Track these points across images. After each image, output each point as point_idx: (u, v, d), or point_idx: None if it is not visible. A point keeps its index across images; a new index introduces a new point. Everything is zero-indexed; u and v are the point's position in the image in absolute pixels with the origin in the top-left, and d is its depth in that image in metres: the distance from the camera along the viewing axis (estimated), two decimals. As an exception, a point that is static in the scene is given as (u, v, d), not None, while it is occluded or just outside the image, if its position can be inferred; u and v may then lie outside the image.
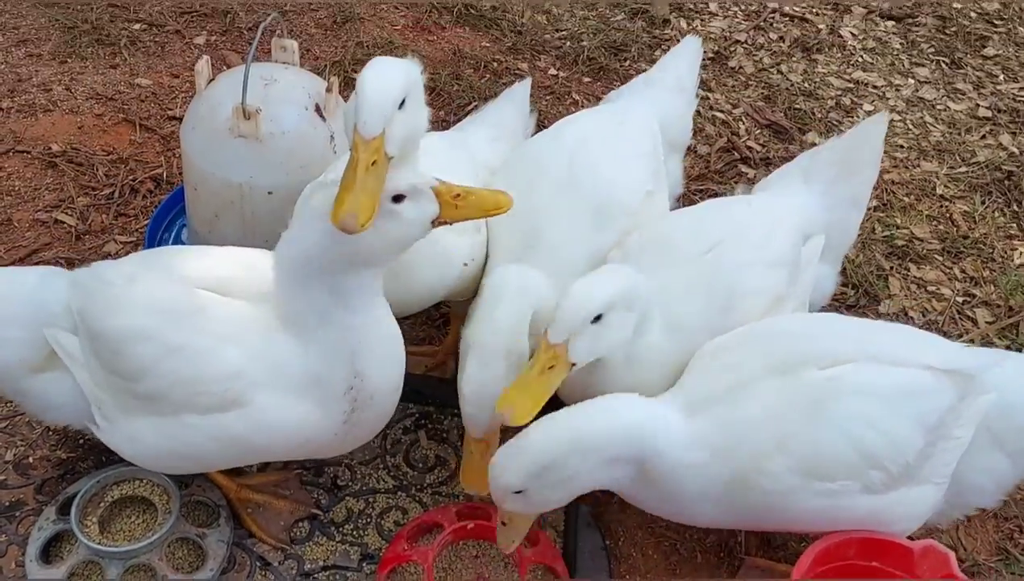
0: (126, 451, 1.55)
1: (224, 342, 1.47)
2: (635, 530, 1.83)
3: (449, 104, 2.92)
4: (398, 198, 1.42)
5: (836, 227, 1.85)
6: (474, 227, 1.78)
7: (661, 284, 1.62)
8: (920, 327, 2.38)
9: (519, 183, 1.81)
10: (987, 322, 2.41)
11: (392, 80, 1.44)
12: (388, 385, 1.53)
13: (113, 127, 2.74)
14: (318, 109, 1.94)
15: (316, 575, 1.68)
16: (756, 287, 1.65)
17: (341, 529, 1.76)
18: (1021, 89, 3.27)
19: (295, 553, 1.71)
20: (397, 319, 1.58)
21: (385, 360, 1.50)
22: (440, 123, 2.89)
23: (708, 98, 3.10)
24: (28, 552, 1.56)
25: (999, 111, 3.16)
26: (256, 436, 1.46)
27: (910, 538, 1.60)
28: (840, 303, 2.43)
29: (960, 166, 2.93)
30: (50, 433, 1.86)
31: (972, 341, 2.35)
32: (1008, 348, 2.35)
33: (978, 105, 3.20)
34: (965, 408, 1.53)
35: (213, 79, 2.00)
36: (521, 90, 2.21)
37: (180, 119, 2.80)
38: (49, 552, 1.61)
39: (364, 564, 1.71)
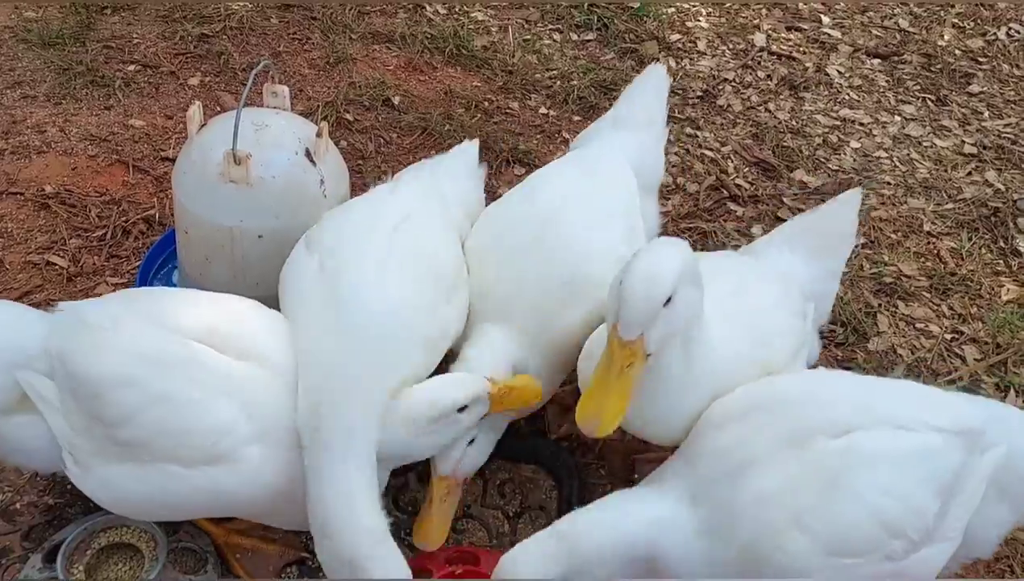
0: (102, 498, 1.54)
1: (215, 395, 1.46)
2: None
3: (441, 144, 2.95)
4: (463, 408, 1.53)
5: (819, 297, 1.88)
6: (455, 287, 1.82)
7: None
8: (909, 364, 2.40)
9: (492, 248, 1.85)
10: (975, 359, 2.42)
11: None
12: None
13: (106, 168, 2.76)
14: (308, 154, 1.96)
15: (304, 622, 1.67)
16: (786, 328, 1.68)
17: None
18: (1006, 125, 3.32)
19: (283, 600, 1.70)
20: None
21: None
22: (418, 129, 2.95)
23: (696, 136, 3.13)
24: None
25: (984, 148, 3.20)
26: (244, 490, 1.46)
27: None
28: (829, 341, 2.44)
29: (947, 202, 2.96)
30: (37, 479, 1.85)
31: (961, 379, 2.36)
32: (997, 385, 2.37)
33: (964, 142, 3.24)
34: (974, 463, 1.53)
35: (205, 124, 2.02)
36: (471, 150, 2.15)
37: (173, 160, 2.83)
38: None
39: (355, 613, 1.70)
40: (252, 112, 1.97)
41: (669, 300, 1.41)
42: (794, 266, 1.86)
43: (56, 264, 2.42)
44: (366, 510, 1.46)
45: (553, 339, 1.77)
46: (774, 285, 1.76)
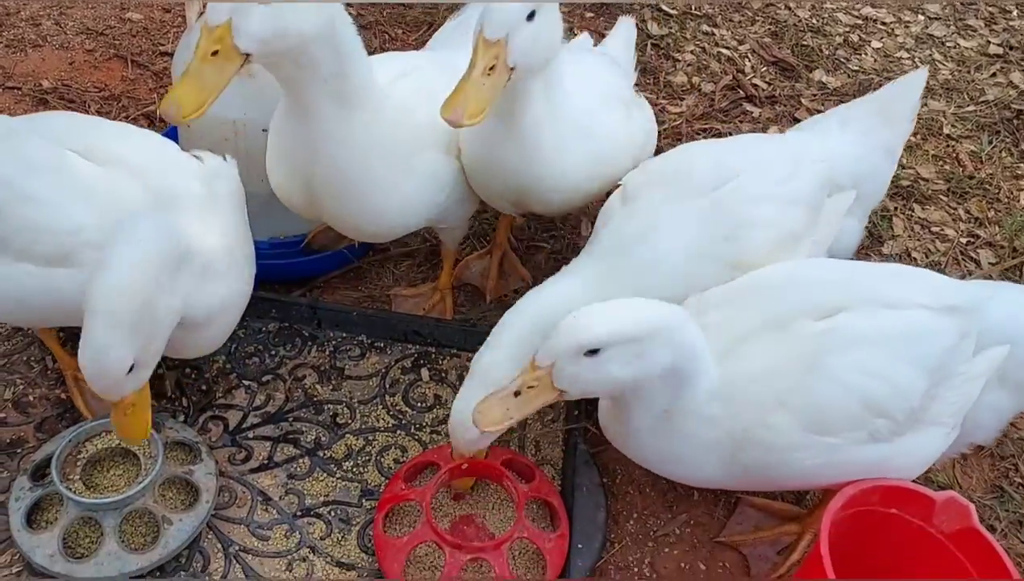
0: None
1: (73, 200, 1.50)
2: (632, 468, 1.84)
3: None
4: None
5: (867, 179, 1.81)
6: (459, 149, 1.77)
7: (673, 210, 1.60)
8: (924, 267, 2.37)
9: None
10: (991, 263, 2.39)
11: None
12: (208, 329, 1.58)
13: (104, 63, 2.68)
14: (312, 43, 1.88)
15: (317, 510, 1.70)
16: (767, 220, 1.61)
17: (341, 466, 1.77)
18: (1034, 25, 3.20)
19: (296, 488, 1.72)
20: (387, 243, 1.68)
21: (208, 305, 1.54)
22: (424, 24, 2.86)
23: (713, 34, 3.03)
24: (12, 524, 1.54)
25: (1011, 48, 3.09)
26: (77, 298, 1.42)
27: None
28: (843, 244, 2.41)
29: (968, 105, 2.88)
30: (49, 372, 1.86)
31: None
32: (1011, 289, 2.34)
33: (989, 42, 3.13)
34: (968, 346, 1.52)
35: (204, 12, 1.94)
36: None
37: (172, 55, 2.75)
38: (31, 522, 1.58)
39: (364, 500, 1.72)
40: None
41: (532, 15, 1.48)
42: (838, 144, 1.79)
43: (57, 160, 2.38)
44: None
45: None
46: (780, 168, 1.67)
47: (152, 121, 2.50)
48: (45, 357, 1.88)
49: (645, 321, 1.36)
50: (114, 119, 2.45)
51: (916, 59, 3.04)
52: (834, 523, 1.48)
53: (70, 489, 1.55)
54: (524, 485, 1.69)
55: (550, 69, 1.62)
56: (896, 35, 3.13)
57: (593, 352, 1.35)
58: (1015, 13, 3.22)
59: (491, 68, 1.48)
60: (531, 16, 1.50)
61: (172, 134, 2.26)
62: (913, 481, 1.63)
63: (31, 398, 1.81)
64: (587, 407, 1.88)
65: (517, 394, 1.39)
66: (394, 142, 1.64)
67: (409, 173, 1.68)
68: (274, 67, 1.51)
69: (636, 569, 1.70)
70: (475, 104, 1.45)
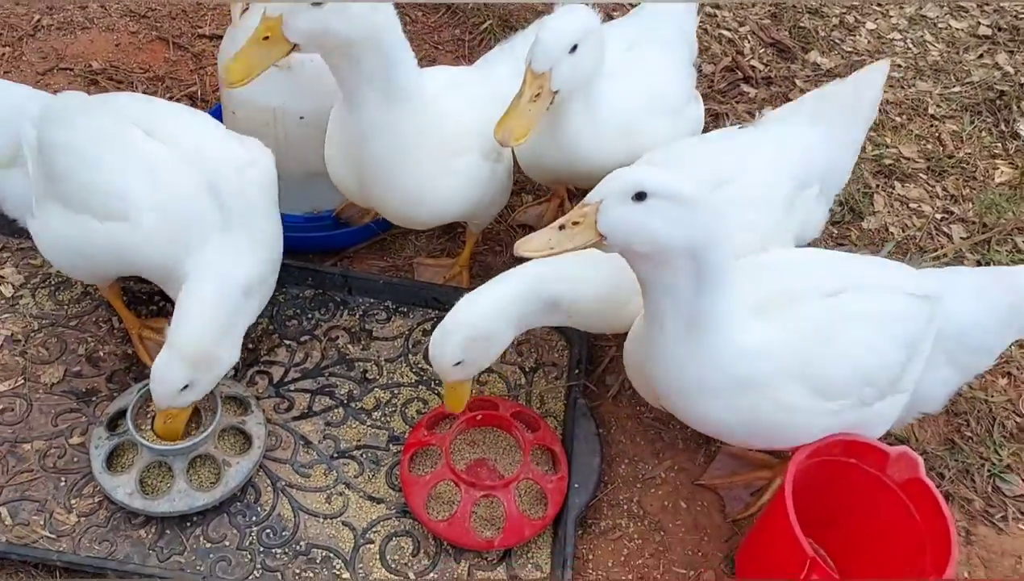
0: (44, 246, 1.87)
1: (129, 166, 1.75)
2: (625, 420, 2.10)
3: (464, 21, 3.05)
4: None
5: (832, 172, 1.99)
6: (498, 155, 1.99)
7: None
8: (899, 241, 2.58)
9: None
10: (961, 238, 2.60)
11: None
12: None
13: (147, 45, 2.90)
14: (344, 39, 2.09)
15: (351, 452, 1.97)
16: (750, 223, 1.81)
17: (371, 415, 2.04)
18: (1024, 7, 3.34)
19: (332, 434, 1.99)
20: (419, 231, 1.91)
21: None
22: (456, 41, 3.03)
23: (716, 16, 3.20)
24: (94, 467, 1.80)
25: (999, 29, 3.24)
26: (141, 248, 1.74)
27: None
28: (828, 220, 2.61)
29: (954, 86, 3.05)
30: (115, 331, 2.12)
31: (945, 255, 2.55)
32: (978, 262, 2.55)
33: (979, 23, 3.28)
34: (932, 328, 1.74)
35: (247, 8, 2.16)
36: None
37: (209, 37, 2.95)
38: (110, 465, 1.83)
39: (391, 444, 1.99)
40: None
41: (575, 48, 1.73)
42: (810, 142, 1.93)
43: (110, 138, 2.61)
44: None
45: None
46: (760, 176, 1.84)
47: (194, 101, 2.72)
48: (111, 318, 2.14)
49: (695, 190, 1.45)
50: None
51: (908, 40, 3.21)
52: (800, 470, 1.72)
53: (144, 438, 1.82)
54: (530, 434, 1.95)
55: (590, 83, 1.86)
56: (890, 16, 3.28)
57: (640, 197, 1.42)
58: (1007, -6, 3.36)
59: (536, 95, 1.74)
60: (574, 49, 1.75)
61: (217, 111, 2.49)
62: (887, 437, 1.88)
63: (101, 353, 2.08)
64: (586, 367, 2.13)
65: (562, 228, 1.46)
66: (438, 143, 1.86)
67: (450, 172, 1.91)
68: (324, 57, 1.74)
69: (626, 507, 1.96)
70: (521, 128, 1.75)
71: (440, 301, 2.23)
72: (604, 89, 1.93)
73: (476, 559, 1.84)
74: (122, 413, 1.86)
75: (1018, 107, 2.98)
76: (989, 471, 2.10)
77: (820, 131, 1.96)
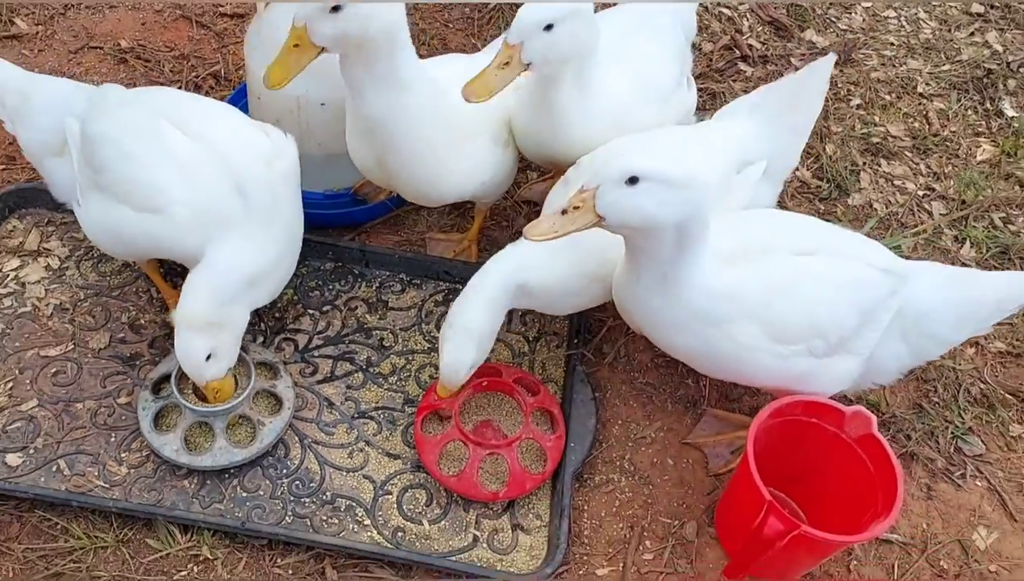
0: (88, 225, 2.06)
1: (162, 161, 1.92)
2: (620, 386, 2.29)
3: (483, 11, 3.17)
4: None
5: (777, 154, 2.15)
6: (506, 142, 2.16)
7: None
8: (882, 217, 2.74)
9: None
10: (941, 214, 2.76)
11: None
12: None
13: (172, 23, 3.04)
14: (361, 30, 2.24)
15: (370, 414, 2.17)
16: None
17: (388, 380, 2.24)
18: (1018, -17, 3.43)
19: (353, 396, 2.20)
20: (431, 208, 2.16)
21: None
22: (465, 19, 3.16)
23: (716, -7, 3.31)
24: (142, 427, 2.01)
25: (992, 7, 3.34)
26: (175, 237, 1.94)
27: (842, 399, 2.04)
28: (814, 196, 2.77)
29: (944, 64, 3.17)
30: (154, 301, 2.32)
31: (925, 230, 2.71)
32: (955, 237, 2.71)
33: (973, 1, 3.38)
34: (893, 302, 1.93)
35: (269, 2, 2.30)
36: None
37: (231, 16, 3.09)
38: (157, 425, 2.04)
39: (406, 406, 2.19)
40: (311, -9, 2.24)
41: (550, 27, 1.86)
42: (746, 129, 2.11)
43: (141, 116, 2.77)
44: None
45: None
46: (694, 156, 1.98)
47: (218, 79, 2.88)
48: (150, 289, 2.33)
49: (683, 172, 1.63)
50: (185, 78, 2.87)
51: (902, 18, 3.32)
52: (767, 429, 1.93)
53: (187, 401, 2.02)
54: (531, 398, 2.15)
55: (581, 63, 2.00)
56: (886, -8, 3.38)
57: (633, 181, 1.61)
58: (1002, -29, 3.45)
59: (505, 64, 1.89)
60: (549, 27, 1.88)
61: (239, 95, 2.65)
62: (842, 399, 2.08)
63: (143, 321, 2.28)
64: (585, 336, 2.32)
65: (564, 213, 1.66)
66: (450, 129, 2.02)
67: (462, 156, 2.08)
68: (341, 54, 1.89)
69: (618, 463, 2.17)
70: (483, 89, 1.90)
71: (451, 274, 2.42)
72: (596, 75, 2.07)
73: (483, 509, 2.06)
74: (165, 378, 2.07)
75: (1004, 85, 3.11)
76: (952, 433, 2.29)
77: (760, 119, 2.13)
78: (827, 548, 1.89)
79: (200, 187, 1.93)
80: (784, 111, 2.14)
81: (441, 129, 2.01)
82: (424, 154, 2.02)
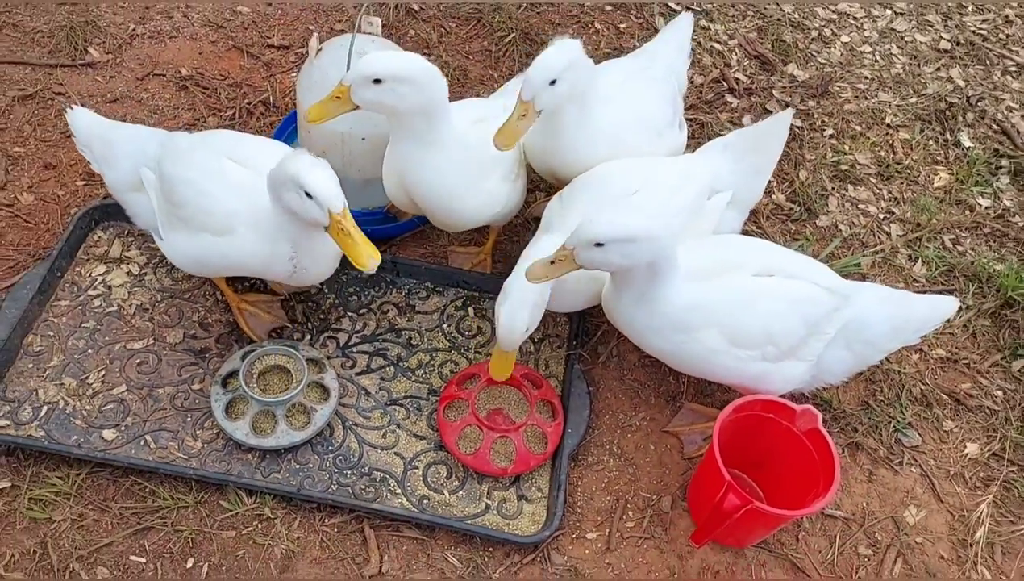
0: (172, 255, 2.46)
1: (230, 192, 2.33)
2: (611, 381, 2.70)
3: (491, 34, 3.56)
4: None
5: (742, 187, 2.54)
6: (515, 176, 2.56)
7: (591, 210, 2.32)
8: (845, 237, 3.12)
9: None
10: (898, 235, 3.14)
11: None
12: (316, 268, 2.38)
13: (225, 53, 3.44)
14: (397, 77, 2.64)
15: (400, 401, 2.59)
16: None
17: (415, 373, 2.66)
18: (983, 21, 3.79)
19: (386, 387, 2.61)
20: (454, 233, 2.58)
21: (315, 257, 2.35)
22: (484, 52, 3.55)
23: (709, 29, 3.68)
24: (216, 415, 2.41)
25: (958, 44, 3.70)
26: (237, 256, 2.34)
27: (795, 399, 2.45)
28: (787, 217, 3.16)
29: (911, 97, 3.54)
30: (218, 302, 2.74)
31: (883, 250, 3.10)
32: (909, 256, 3.10)
33: (941, 37, 3.74)
34: (837, 316, 2.33)
35: (320, 49, 2.70)
36: None
37: (277, 47, 3.48)
38: (228, 413, 2.43)
39: (430, 396, 2.61)
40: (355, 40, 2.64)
41: (554, 82, 2.26)
42: (717, 164, 2.50)
43: (201, 138, 3.18)
44: None
45: None
46: (669, 186, 2.39)
47: (268, 106, 3.28)
48: (215, 292, 2.75)
49: (638, 229, 2.04)
50: (239, 104, 3.27)
51: (877, 53, 3.68)
52: (732, 422, 2.33)
53: (255, 394, 2.44)
54: (535, 390, 2.57)
55: (583, 99, 2.40)
56: (864, 29, 3.75)
57: (599, 245, 2.06)
58: (970, 9, 3.80)
59: (523, 115, 2.30)
60: (553, 82, 2.29)
61: (288, 122, 3.06)
62: (799, 397, 2.48)
63: (210, 320, 2.70)
64: (582, 339, 2.73)
65: (552, 262, 2.13)
66: (468, 169, 2.43)
67: (478, 192, 2.48)
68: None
69: (607, 447, 2.58)
70: (511, 139, 2.32)
71: (468, 283, 2.83)
72: (598, 110, 2.47)
73: (494, 482, 2.47)
74: (232, 374, 2.49)
75: (964, 118, 3.48)
76: (894, 427, 2.69)
77: (729, 156, 2.53)
78: (776, 520, 2.30)
79: (259, 209, 2.33)
80: (750, 152, 2.53)
81: (462, 176, 2.42)
82: (445, 198, 2.43)
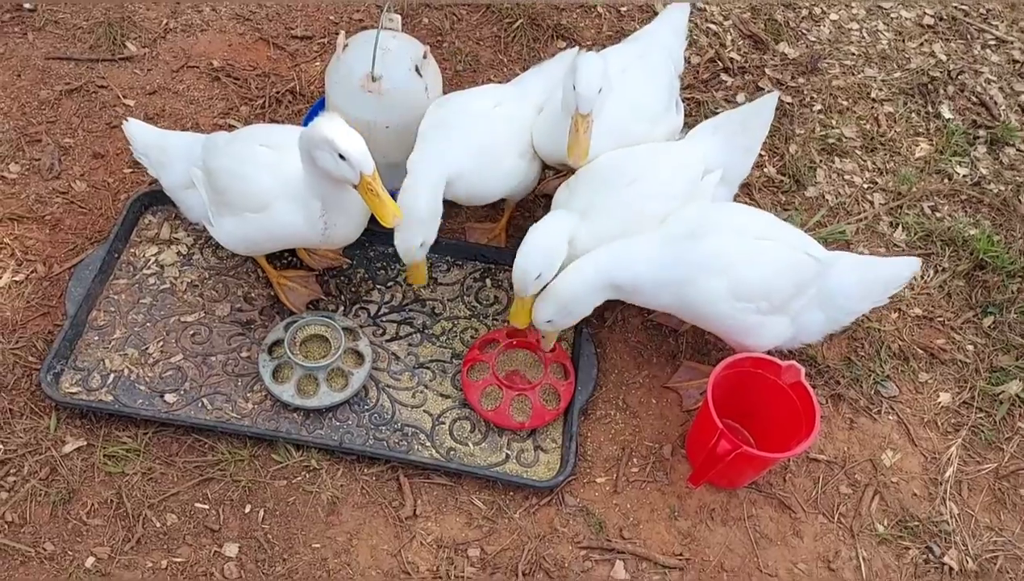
0: (222, 239, 2.75)
1: (262, 172, 2.60)
2: (617, 344, 2.99)
3: (500, 20, 3.79)
4: None
5: (732, 166, 2.77)
6: (532, 156, 2.82)
7: (593, 203, 2.61)
8: (831, 207, 3.38)
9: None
10: (880, 204, 3.39)
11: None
12: (344, 226, 2.61)
13: (253, 45, 3.68)
14: (417, 69, 2.89)
15: (427, 364, 2.88)
16: (657, 212, 2.62)
17: (439, 339, 2.94)
18: (966, -3, 3.99)
19: (414, 351, 2.91)
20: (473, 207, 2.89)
21: (343, 212, 2.60)
22: (494, 38, 3.78)
23: (705, 10, 3.90)
24: (265, 379, 2.69)
25: (940, 19, 3.91)
26: (276, 227, 2.61)
27: (781, 356, 2.73)
28: (778, 189, 3.41)
29: (896, 72, 3.76)
30: (260, 278, 3.03)
31: (866, 217, 3.35)
32: (890, 223, 3.35)
33: (925, 13, 3.94)
34: (817, 281, 2.60)
35: (347, 45, 2.95)
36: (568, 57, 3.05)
37: (300, 37, 3.72)
38: (275, 378, 2.71)
39: (454, 359, 2.90)
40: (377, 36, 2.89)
41: (600, 90, 2.50)
42: (709, 146, 2.73)
43: (236, 126, 3.43)
44: None
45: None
46: (664, 173, 2.65)
47: (295, 95, 3.52)
48: (256, 269, 3.03)
49: (566, 300, 2.56)
50: (267, 95, 3.51)
51: (864, 29, 3.89)
52: (725, 378, 2.62)
53: (299, 360, 2.73)
54: (549, 353, 2.85)
55: None
56: (852, 7, 3.96)
57: (550, 322, 2.61)
58: (954, -16, 4.00)
59: (585, 129, 2.54)
60: (600, 90, 2.51)
61: (315, 110, 3.31)
62: (787, 355, 2.76)
63: (253, 294, 2.99)
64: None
65: (544, 336, 2.65)
66: (487, 155, 2.70)
67: (498, 169, 2.76)
68: None
69: (614, 402, 2.87)
70: (583, 153, 2.56)
71: (485, 256, 3.10)
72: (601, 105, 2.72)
73: (513, 435, 2.77)
74: (277, 342, 2.79)
75: (945, 91, 3.70)
76: (874, 380, 2.97)
77: (719, 138, 2.76)
78: (763, 462, 2.60)
79: (289, 183, 2.58)
80: (738, 133, 2.78)
81: (483, 158, 2.68)
82: (468, 178, 2.70)
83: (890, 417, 2.91)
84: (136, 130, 2.89)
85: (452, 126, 2.73)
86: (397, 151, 2.93)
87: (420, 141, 2.76)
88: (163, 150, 2.83)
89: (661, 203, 2.63)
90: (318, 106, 3.33)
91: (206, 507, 2.56)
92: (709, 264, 2.50)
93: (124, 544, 2.48)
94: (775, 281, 2.53)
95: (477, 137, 2.69)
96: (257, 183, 2.60)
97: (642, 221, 2.60)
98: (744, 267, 2.50)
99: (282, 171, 2.59)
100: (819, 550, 2.61)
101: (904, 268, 2.64)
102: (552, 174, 3.37)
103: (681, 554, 2.57)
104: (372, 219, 2.84)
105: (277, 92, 3.52)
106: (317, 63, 3.61)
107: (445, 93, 3.00)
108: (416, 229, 2.61)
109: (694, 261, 2.51)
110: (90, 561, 2.44)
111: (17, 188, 3.16)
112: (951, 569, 2.60)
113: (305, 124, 3.25)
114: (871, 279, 2.62)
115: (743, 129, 2.76)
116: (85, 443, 2.64)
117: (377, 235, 3.03)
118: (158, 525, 2.52)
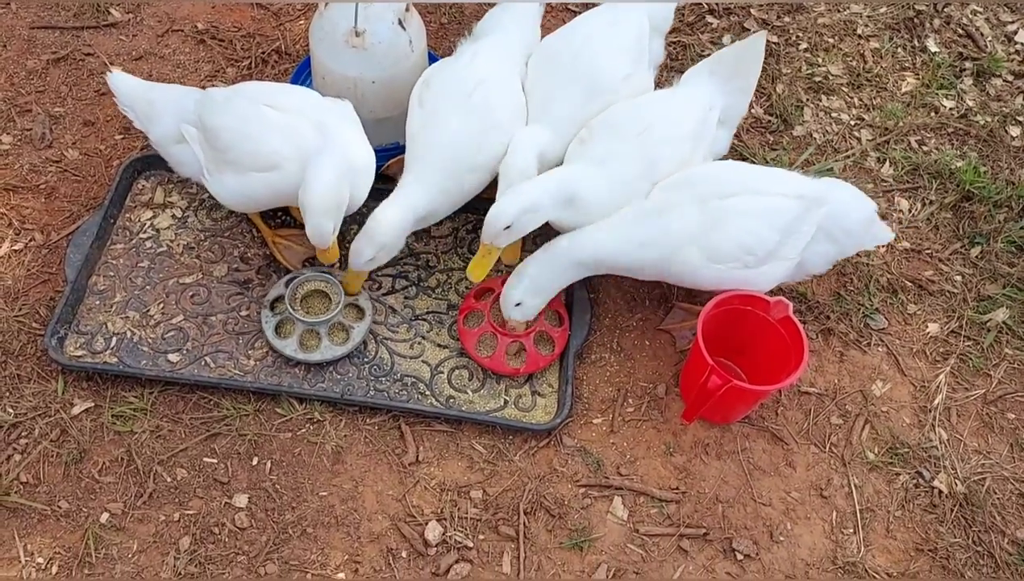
0: (220, 193, 2.75)
1: (272, 133, 2.62)
2: (609, 288, 3.03)
3: (484, -30, 3.77)
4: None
5: (730, 107, 2.79)
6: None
7: (610, 152, 2.64)
8: (819, 145, 3.40)
9: (541, 69, 2.83)
10: (868, 140, 3.41)
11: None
12: (358, 188, 2.67)
13: (236, 6, 3.67)
14: (400, 23, 2.90)
15: (423, 316, 2.93)
16: (672, 155, 2.67)
17: (435, 291, 2.99)
18: (952, -72, 3.96)
19: (410, 304, 2.96)
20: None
21: (356, 174, 2.63)
22: None
23: (688, -48, 3.87)
24: (267, 335, 2.74)
25: (927, -48, 3.89)
26: (286, 187, 2.63)
27: (773, 291, 2.78)
28: (765, 129, 3.43)
29: (881, 7, 3.75)
30: (255, 237, 3.07)
31: (853, 154, 3.37)
32: (878, 159, 3.38)
33: (912, -55, 3.92)
34: (807, 215, 2.63)
35: (328, 1, 2.95)
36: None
37: (284, -4, 3.72)
38: (278, 333, 2.77)
39: (450, 310, 2.95)
40: (359, -8, 2.89)
41: (509, 226, 2.57)
42: (708, 89, 2.75)
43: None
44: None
45: (572, 130, 2.80)
46: (674, 117, 2.68)
47: (280, 54, 3.53)
48: (251, 229, 3.07)
49: (521, 292, 2.70)
50: (253, 55, 3.52)
51: (850, -36, 3.87)
52: (714, 316, 2.67)
53: (300, 316, 2.78)
54: (542, 299, 2.90)
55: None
56: (837, -58, 3.93)
57: (519, 305, 2.71)
58: (939, -84, 3.96)
59: (489, 252, 2.61)
60: (507, 228, 2.55)
61: (302, 68, 3.32)
62: (776, 290, 2.81)
63: (249, 254, 3.03)
64: (582, 251, 3.04)
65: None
66: (479, 123, 2.74)
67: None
68: None
69: (608, 345, 2.93)
70: (483, 273, 2.66)
71: (477, 208, 3.12)
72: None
73: (510, 381, 2.84)
74: (278, 299, 2.84)
75: (931, 24, 3.70)
76: (863, 313, 3.02)
77: (717, 81, 2.78)
78: (753, 396, 2.66)
79: (298, 143, 2.62)
80: (733, 75, 2.79)
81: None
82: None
83: (879, 349, 2.97)
84: (121, 82, 2.88)
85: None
86: (384, 106, 2.95)
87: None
88: (150, 103, 2.83)
89: (675, 147, 2.66)
90: (303, 66, 3.33)
91: (214, 461, 2.64)
92: (676, 240, 2.56)
93: (136, 499, 2.55)
94: (751, 237, 2.55)
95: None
96: (265, 144, 2.62)
97: (657, 166, 2.64)
98: (713, 233, 2.54)
99: (292, 133, 2.62)
100: (811, 479, 2.69)
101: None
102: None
103: (677, 488, 2.65)
104: (378, 177, 2.91)
105: (263, 52, 3.52)
106: (301, 21, 3.61)
107: (428, 46, 3.01)
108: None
109: (662, 240, 2.58)
110: (104, 517, 2.53)
111: (10, 159, 3.19)
112: (940, 492, 2.67)
113: (292, 83, 3.28)
114: (871, 210, 2.69)
115: (737, 71, 2.77)
116: (93, 404, 2.71)
117: (371, 191, 3.06)
118: (168, 480, 2.60)
